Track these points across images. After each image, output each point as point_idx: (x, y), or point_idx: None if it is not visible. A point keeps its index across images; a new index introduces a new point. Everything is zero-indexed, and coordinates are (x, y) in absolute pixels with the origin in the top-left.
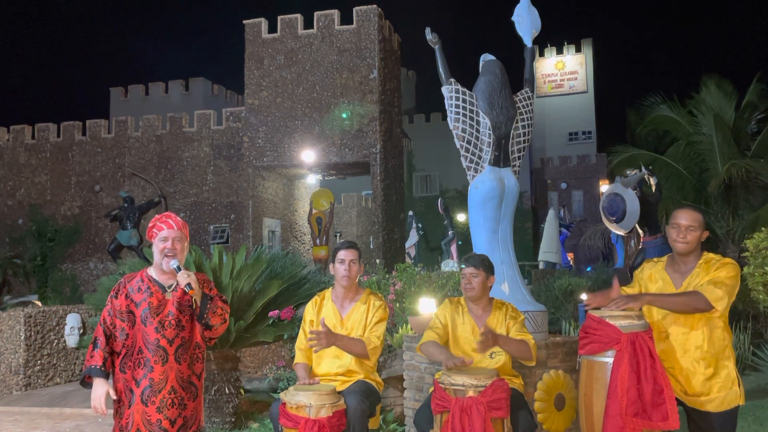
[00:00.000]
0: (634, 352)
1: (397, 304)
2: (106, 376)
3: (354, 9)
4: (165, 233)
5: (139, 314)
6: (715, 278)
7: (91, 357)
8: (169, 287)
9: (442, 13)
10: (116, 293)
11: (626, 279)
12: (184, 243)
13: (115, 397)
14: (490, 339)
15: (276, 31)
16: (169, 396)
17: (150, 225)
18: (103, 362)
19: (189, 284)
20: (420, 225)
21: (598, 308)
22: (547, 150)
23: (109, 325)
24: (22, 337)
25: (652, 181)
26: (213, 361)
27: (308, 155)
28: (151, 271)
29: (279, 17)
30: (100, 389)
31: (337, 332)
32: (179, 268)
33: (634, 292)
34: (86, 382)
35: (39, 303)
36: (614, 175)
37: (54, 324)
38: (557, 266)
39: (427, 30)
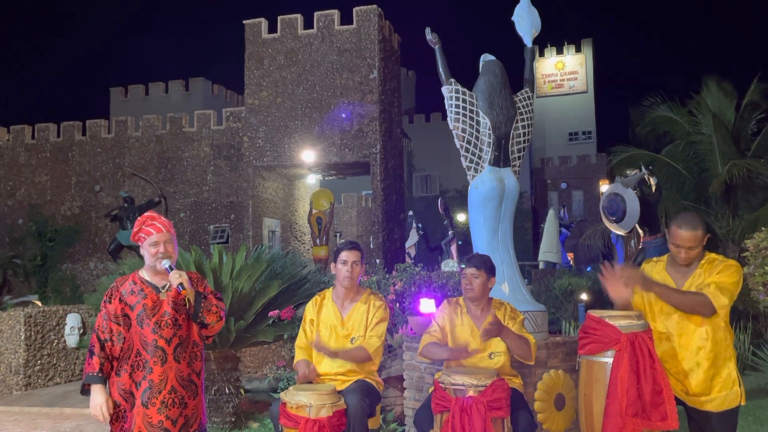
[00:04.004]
0: (634, 352)
1: (397, 304)
2: (104, 382)
3: (354, 9)
4: (155, 238)
5: (134, 317)
6: (722, 283)
7: (88, 365)
8: (163, 287)
9: (442, 13)
10: (109, 298)
11: None
12: (174, 243)
13: (111, 412)
14: (496, 329)
15: (276, 31)
16: (169, 396)
17: (135, 229)
18: (100, 368)
19: (181, 284)
20: (420, 225)
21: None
22: (547, 150)
23: (106, 331)
24: (22, 337)
25: (652, 181)
26: (213, 361)
27: (308, 155)
28: (144, 273)
29: (279, 17)
30: (99, 398)
31: (338, 330)
32: (171, 268)
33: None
34: (86, 390)
35: (39, 303)
36: (614, 175)
37: (54, 324)
38: (557, 266)
39: (427, 30)
